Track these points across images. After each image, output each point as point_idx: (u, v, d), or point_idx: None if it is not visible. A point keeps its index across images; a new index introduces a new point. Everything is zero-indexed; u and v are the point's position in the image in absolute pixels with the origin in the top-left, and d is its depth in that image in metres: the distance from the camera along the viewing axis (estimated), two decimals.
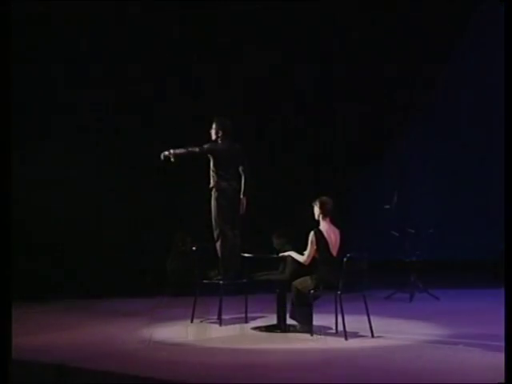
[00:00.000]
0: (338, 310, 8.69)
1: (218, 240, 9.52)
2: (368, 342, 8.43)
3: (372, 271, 8.86)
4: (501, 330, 9.04)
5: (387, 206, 12.10)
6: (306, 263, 8.84)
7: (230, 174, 9.51)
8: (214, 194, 9.51)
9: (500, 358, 7.61)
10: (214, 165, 9.50)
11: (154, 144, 12.27)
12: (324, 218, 8.85)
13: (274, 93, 12.66)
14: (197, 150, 9.52)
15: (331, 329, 9.02)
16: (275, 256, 9.11)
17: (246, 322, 9.65)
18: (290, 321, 9.06)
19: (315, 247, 8.76)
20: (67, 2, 12.06)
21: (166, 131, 12.39)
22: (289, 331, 9.00)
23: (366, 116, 12.92)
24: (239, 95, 12.67)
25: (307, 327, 8.77)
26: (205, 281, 9.59)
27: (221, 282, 9.51)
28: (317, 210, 8.87)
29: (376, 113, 12.97)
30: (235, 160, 9.60)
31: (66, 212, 12.08)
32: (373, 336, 8.63)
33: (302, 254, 8.86)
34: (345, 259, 8.53)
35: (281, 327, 9.10)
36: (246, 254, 9.34)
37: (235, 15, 12.39)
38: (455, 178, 13.09)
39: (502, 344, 8.20)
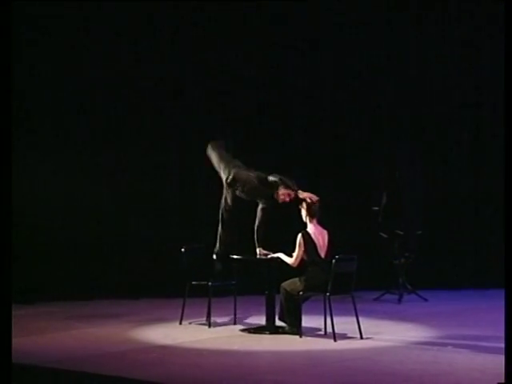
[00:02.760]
0: (327, 311, 8.70)
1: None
2: (357, 344, 8.44)
3: (361, 273, 8.87)
4: (489, 330, 9.10)
5: (376, 208, 12.12)
6: (294, 265, 8.85)
7: None
8: None
9: (489, 359, 7.64)
10: None
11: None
12: (311, 219, 8.86)
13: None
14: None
15: (320, 330, 9.02)
16: (263, 258, 9.11)
17: (235, 323, 9.65)
18: (278, 322, 9.06)
19: (303, 249, 8.77)
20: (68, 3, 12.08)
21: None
22: (278, 333, 8.99)
23: (355, 115, 12.92)
24: None
25: (296, 329, 8.78)
26: (193, 282, 9.59)
27: (209, 283, 9.50)
28: (304, 212, 8.88)
29: (364, 113, 12.96)
30: None
31: (53, 213, 12.03)
32: (362, 337, 8.64)
33: (291, 257, 8.86)
34: (333, 261, 8.55)
35: (270, 329, 9.09)
36: (235, 256, 9.35)
37: None
38: (444, 179, 13.09)
39: (491, 345, 8.27)
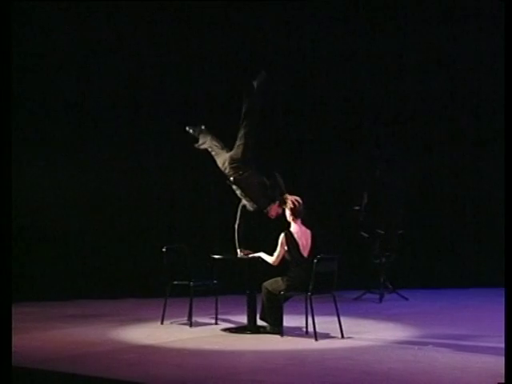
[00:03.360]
0: (308, 310, 8.72)
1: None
2: (338, 343, 8.46)
3: (342, 272, 8.89)
4: (469, 329, 9.14)
5: (357, 207, 12.15)
6: (275, 264, 8.87)
7: None
8: None
9: (469, 357, 7.68)
10: None
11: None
12: (295, 219, 8.88)
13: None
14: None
15: (301, 330, 9.04)
16: (245, 257, 9.12)
17: (216, 323, 9.65)
18: (260, 322, 9.07)
19: (285, 248, 8.79)
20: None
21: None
22: (259, 332, 9.00)
23: (336, 114, 12.95)
24: None
25: (277, 328, 8.79)
26: (175, 282, 9.58)
27: (191, 283, 9.50)
28: (288, 212, 8.90)
29: (345, 112, 12.99)
30: None
31: (32, 213, 11.99)
32: (343, 337, 8.66)
33: (272, 256, 8.88)
34: (315, 260, 8.57)
35: (251, 328, 9.10)
36: (216, 256, 9.35)
37: None
38: (424, 179, 13.15)
39: (471, 344, 8.31)
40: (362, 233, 12.09)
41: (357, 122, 13.07)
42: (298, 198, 8.90)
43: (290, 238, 8.80)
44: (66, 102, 12.22)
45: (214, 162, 9.24)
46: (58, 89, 12.16)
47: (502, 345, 8.25)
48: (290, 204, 8.87)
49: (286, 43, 12.78)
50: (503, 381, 5.58)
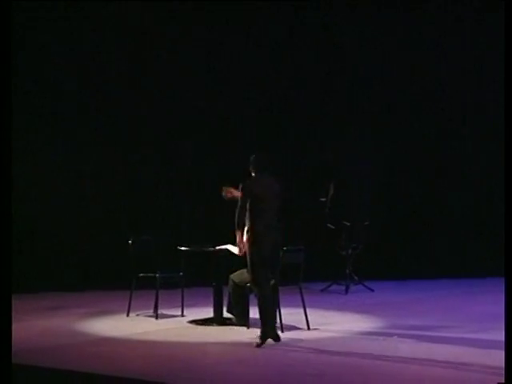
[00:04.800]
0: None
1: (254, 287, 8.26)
2: (304, 335, 8.49)
3: (308, 264, 8.92)
4: (434, 320, 9.22)
5: (323, 199, 12.18)
6: (242, 255, 8.84)
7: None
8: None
9: (433, 347, 7.75)
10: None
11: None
12: None
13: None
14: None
15: None
16: (211, 250, 9.12)
17: (183, 315, 9.64)
18: (226, 314, 9.08)
19: None
20: None
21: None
22: (225, 324, 9.01)
23: (304, 105, 12.94)
24: None
25: (244, 320, 8.80)
26: (141, 274, 9.56)
27: (157, 275, 9.48)
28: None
29: (313, 102, 12.98)
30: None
31: None
32: (309, 328, 8.70)
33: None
34: (281, 253, 8.57)
35: (217, 320, 9.10)
36: (183, 248, 9.34)
37: None
38: (391, 170, 13.18)
39: (436, 334, 8.39)
40: (329, 224, 12.12)
41: (325, 112, 13.05)
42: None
43: None
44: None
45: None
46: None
47: (466, 335, 8.39)
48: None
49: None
50: (504, 380, 5.58)
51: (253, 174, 8.35)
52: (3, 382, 6.21)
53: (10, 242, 6.89)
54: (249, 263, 8.15)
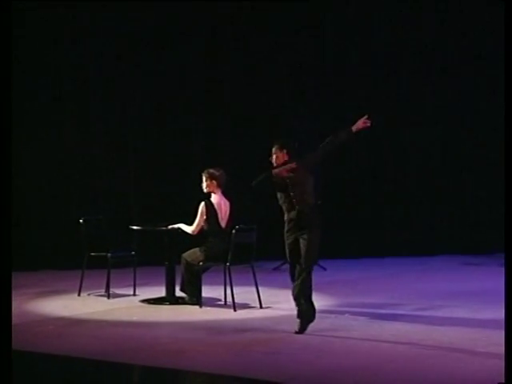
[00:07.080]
0: (227, 281, 8.74)
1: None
2: (256, 313, 8.52)
3: (260, 243, 8.93)
4: (385, 298, 9.30)
5: None
6: (194, 233, 8.85)
7: None
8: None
9: (384, 325, 7.83)
10: None
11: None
12: (217, 189, 8.86)
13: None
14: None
15: (220, 300, 9.07)
16: (164, 229, 9.08)
17: (135, 294, 9.60)
18: (179, 293, 9.07)
19: (204, 217, 8.78)
20: None
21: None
22: (178, 303, 9.00)
23: (254, 86, 12.93)
24: None
25: (196, 299, 8.80)
26: (92, 253, 9.51)
27: (108, 254, 9.43)
28: (207, 182, 8.86)
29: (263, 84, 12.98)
30: None
31: None
32: (261, 307, 8.72)
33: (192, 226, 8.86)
34: (233, 231, 8.58)
35: (169, 299, 9.09)
36: (135, 227, 9.29)
37: None
38: (342, 150, 13.22)
39: (387, 312, 8.48)
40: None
41: (275, 96, 13.05)
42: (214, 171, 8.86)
43: (209, 207, 8.79)
44: None
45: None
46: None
47: (417, 312, 8.49)
48: (210, 174, 8.83)
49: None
50: (503, 380, 5.60)
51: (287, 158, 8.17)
52: None
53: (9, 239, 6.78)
54: (315, 244, 8.14)
